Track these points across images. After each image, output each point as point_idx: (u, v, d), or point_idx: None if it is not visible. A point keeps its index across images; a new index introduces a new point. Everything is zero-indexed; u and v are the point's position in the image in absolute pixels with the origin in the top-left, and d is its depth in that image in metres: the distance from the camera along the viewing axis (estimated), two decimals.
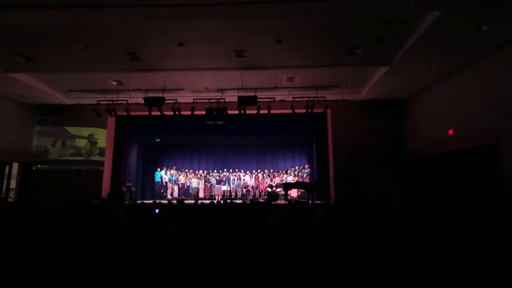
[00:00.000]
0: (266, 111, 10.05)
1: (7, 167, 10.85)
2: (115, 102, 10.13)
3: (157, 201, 7.84)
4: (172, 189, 13.63)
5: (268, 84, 9.62)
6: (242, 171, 14.65)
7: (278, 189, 13.02)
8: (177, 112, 10.15)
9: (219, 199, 12.37)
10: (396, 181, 10.21)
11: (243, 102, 9.38)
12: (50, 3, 5.29)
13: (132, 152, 13.67)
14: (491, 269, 1.96)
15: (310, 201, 11.04)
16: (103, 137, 11.80)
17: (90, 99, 10.46)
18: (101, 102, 10.22)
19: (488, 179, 7.06)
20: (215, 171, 14.81)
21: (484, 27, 5.92)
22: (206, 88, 9.98)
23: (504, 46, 6.55)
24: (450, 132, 8.46)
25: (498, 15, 5.57)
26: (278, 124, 12.54)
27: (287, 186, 12.27)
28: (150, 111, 9.92)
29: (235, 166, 15.30)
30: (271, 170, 14.67)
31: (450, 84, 8.56)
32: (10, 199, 10.36)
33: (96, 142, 11.75)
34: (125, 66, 8.18)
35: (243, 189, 13.86)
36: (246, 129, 13.33)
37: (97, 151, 11.69)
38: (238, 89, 9.65)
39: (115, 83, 9.58)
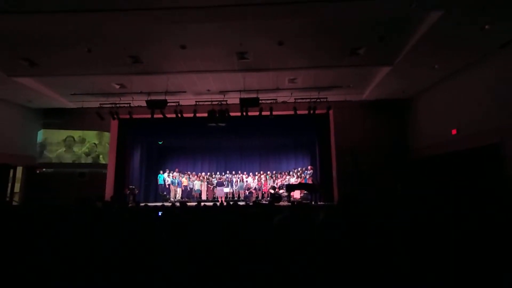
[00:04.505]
0: (268, 113, 10.06)
1: (11, 171, 10.93)
2: (117, 105, 10.18)
3: (160, 204, 7.85)
4: (175, 191, 13.63)
5: (270, 85, 9.62)
6: (245, 172, 14.64)
7: (281, 191, 13.00)
8: (179, 115, 10.18)
9: (222, 201, 12.34)
10: (400, 181, 10.16)
11: (245, 104, 9.38)
12: (53, 8, 5.33)
13: (135, 154, 13.71)
14: (493, 269, 1.93)
15: (313, 203, 11.00)
16: (106, 140, 11.86)
17: (93, 103, 10.51)
18: (104, 106, 10.28)
19: (491, 179, 7.00)
20: (218, 173, 14.81)
21: (487, 26, 5.88)
22: (208, 90, 10.00)
23: (507, 45, 6.52)
24: (454, 132, 8.40)
25: (501, 14, 5.53)
26: (281, 126, 12.53)
27: (290, 188, 12.23)
28: (152, 114, 9.96)
29: (237, 168, 15.28)
30: (274, 172, 14.63)
31: (453, 84, 8.52)
32: (14, 203, 10.42)
33: (99, 145, 11.80)
34: (127, 69, 8.22)
35: (246, 191, 13.83)
36: (248, 131, 13.33)
37: (100, 154, 11.73)
38: (240, 91, 9.67)
39: (117, 86, 9.63)
